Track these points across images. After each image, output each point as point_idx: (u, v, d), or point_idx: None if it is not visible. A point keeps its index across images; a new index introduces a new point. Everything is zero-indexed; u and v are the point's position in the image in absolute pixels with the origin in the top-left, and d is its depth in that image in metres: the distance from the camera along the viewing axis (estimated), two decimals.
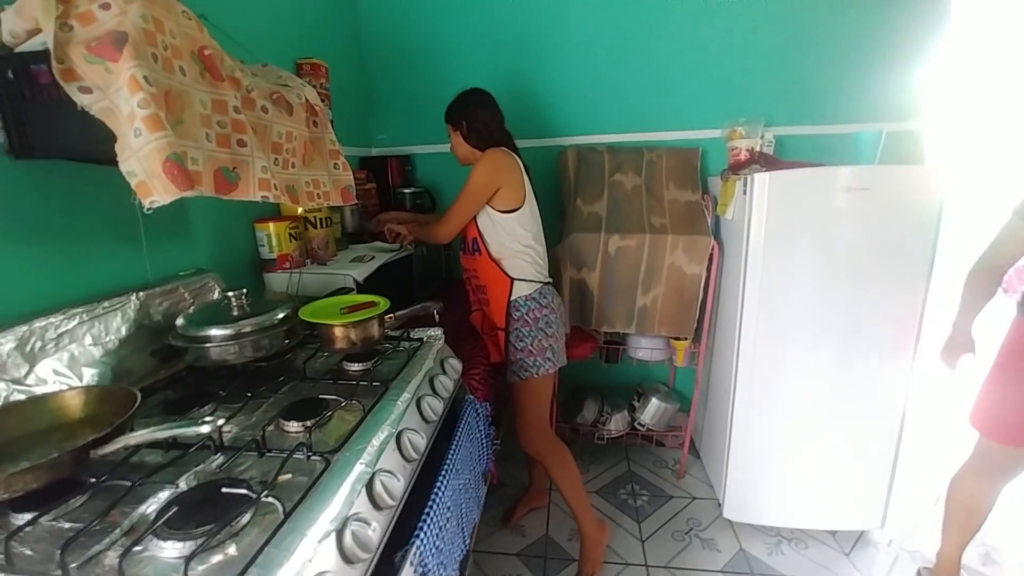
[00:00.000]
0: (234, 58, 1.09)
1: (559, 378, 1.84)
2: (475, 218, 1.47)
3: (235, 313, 1.02)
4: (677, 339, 1.99)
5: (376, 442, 0.77)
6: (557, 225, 2.13)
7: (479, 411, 1.17)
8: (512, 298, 1.48)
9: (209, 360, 0.95)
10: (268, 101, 1.05)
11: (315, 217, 1.51)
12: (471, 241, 1.52)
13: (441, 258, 2.13)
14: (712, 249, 1.80)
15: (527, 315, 1.48)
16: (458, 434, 1.06)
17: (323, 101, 1.68)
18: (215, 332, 0.95)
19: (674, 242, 1.81)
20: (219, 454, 0.72)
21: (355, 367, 1.05)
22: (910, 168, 1.56)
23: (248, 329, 0.98)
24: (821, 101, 1.97)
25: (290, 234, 1.42)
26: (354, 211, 1.86)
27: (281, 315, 1.04)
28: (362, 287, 1.39)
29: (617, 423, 2.18)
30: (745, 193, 1.65)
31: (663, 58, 2.05)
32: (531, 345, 1.50)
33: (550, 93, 2.16)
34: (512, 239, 1.47)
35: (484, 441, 1.19)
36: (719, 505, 1.90)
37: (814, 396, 1.67)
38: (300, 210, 1.46)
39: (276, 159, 1.08)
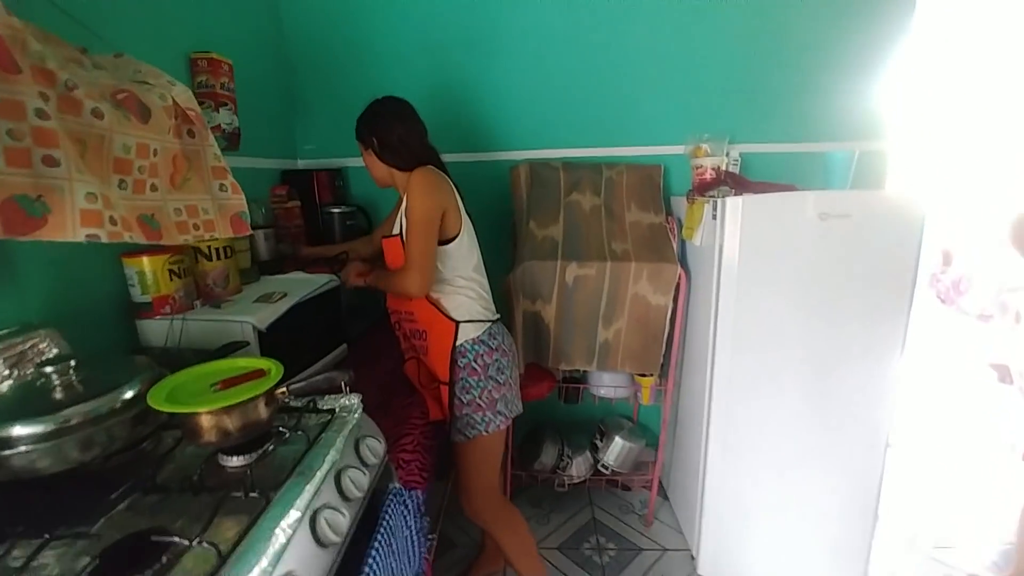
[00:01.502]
0: (63, 42, 0.80)
1: (513, 421, 1.61)
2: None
3: (57, 396, 0.73)
4: (642, 375, 1.81)
5: None
6: (507, 250, 1.91)
7: (408, 503, 0.92)
8: (457, 343, 1.24)
9: (9, 472, 0.66)
10: (107, 103, 0.77)
11: (209, 247, 1.21)
12: None
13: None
14: (679, 278, 1.63)
15: (475, 362, 1.25)
16: (377, 539, 0.81)
17: (224, 104, 1.39)
18: (18, 431, 0.66)
19: (638, 270, 1.63)
20: None
21: (233, 463, 0.78)
22: (891, 194, 1.45)
23: (74, 421, 0.69)
24: (788, 118, 1.86)
25: (171, 270, 1.12)
26: (269, 235, 1.57)
27: (128, 395, 0.75)
28: (266, 337, 1.11)
29: (579, 467, 1.97)
30: (715, 217, 1.49)
31: (623, 69, 1.88)
32: (479, 398, 1.26)
33: (501, 102, 1.95)
34: (452, 272, 1.25)
35: (415, 538, 0.94)
36: (692, 558, 1.72)
37: (791, 437, 1.53)
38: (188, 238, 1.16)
39: (122, 181, 0.80)
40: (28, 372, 0.84)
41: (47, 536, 0.60)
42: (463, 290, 1.26)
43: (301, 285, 1.35)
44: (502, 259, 1.88)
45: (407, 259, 1.20)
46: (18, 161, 0.64)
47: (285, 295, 1.25)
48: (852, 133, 1.84)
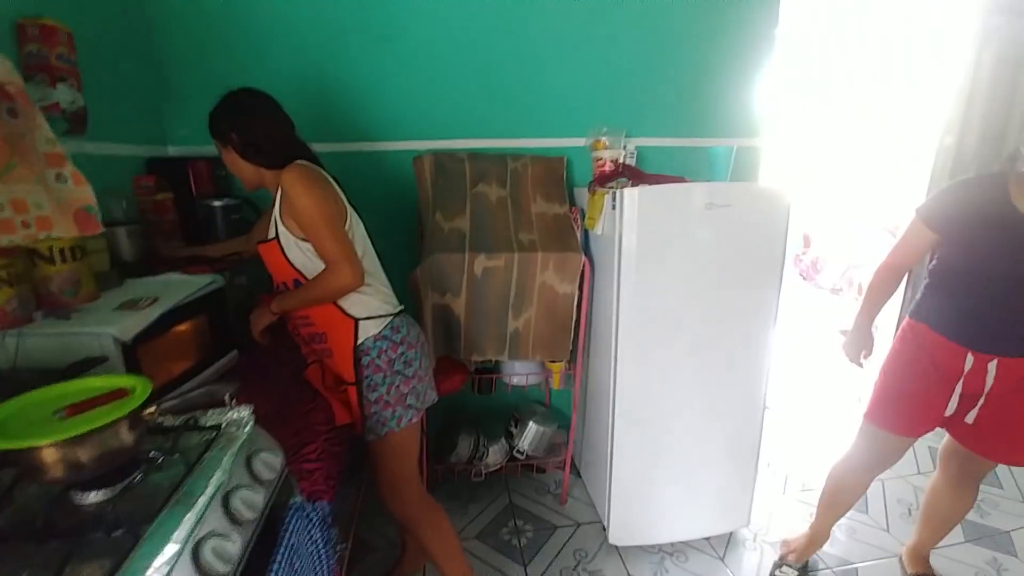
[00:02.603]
0: None
1: (426, 415, 1.58)
2: (286, 256, 1.16)
3: None
4: (553, 362, 1.86)
5: None
6: (413, 243, 1.86)
7: (312, 516, 0.86)
8: (358, 342, 1.18)
9: None
10: None
11: (50, 248, 1.02)
12: (291, 283, 1.20)
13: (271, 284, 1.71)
14: (584, 266, 1.70)
15: (378, 359, 1.20)
16: (277, 559, 0.75)
17: (63, 79, 1.19)
18: None
19: (544, 260, 1.67)
20: None
21: (90, 499, 0.67)
22: (763, 186, 1.62)
23: None
24: (677, 114, 2.00)
25: None
26: (133, 232, 1.37)
27: None
28: (131, 350, 0.97)
29: (495, 455, 1.99)
30: (614, 208, 1.56)
31: (527, 61, 1.89)
32: (387, 394, 1.22)
33: (401, 90, 1.87)
34: None
35: (321, 552, 0.89)
36: (603, 529, 1.83)
37: (686, 405, 1.67)
38: (15, 238, 0.96)
39: None
40: None
41: None
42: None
43: (176, 288, 1.20)
44: (407, 252, 1.82)
45: (327, 258, 1.12)
46: None
47: (156, 300, 1.10)
48: (731, 130, 2.03)
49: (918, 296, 1.39)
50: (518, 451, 2.01)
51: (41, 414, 0.66)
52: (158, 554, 0.57)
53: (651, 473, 1.71)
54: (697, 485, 1.74)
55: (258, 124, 1.14)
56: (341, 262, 1.10)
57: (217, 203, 1.61)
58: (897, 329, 1.45)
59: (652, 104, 1.98)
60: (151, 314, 1.04)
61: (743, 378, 1.68)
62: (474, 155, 1.88)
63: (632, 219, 1.51)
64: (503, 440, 2.04)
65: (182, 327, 1.16)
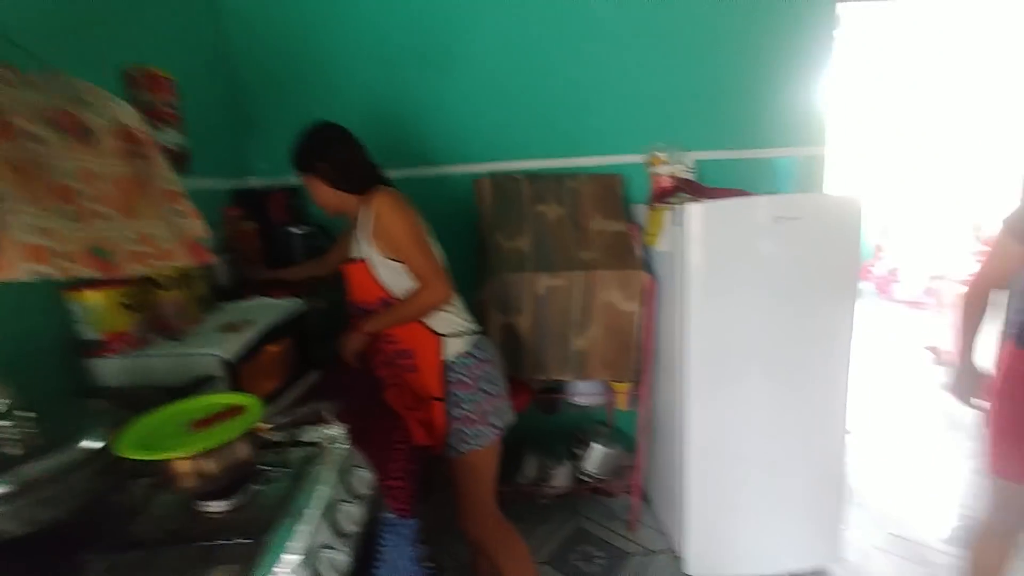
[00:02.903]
0: None
1: None
2: (374, 274, 1.21)
3: (12, 451, 0.64)
4: (617, 381, 1.84)
5: None
6: (474, 264, 1.90)
7: (403, 532, 0.88)
8: (445, 359, 1.22)
9: None
10: (45, 126, 0.71)
11: (163, 276, 1.12)
12: (378, 303, 1.24)
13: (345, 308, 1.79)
14: (647, 283, 1.68)
15: (465, 375, 1.23)
16: (379, 572, 0.77)
17: (168, 122, 1.31)
18: None
19: (606, 278, 1.66)
20: None
21: (216, 508, 0.72)
22: (834, 196, 1.55)
23: (35, 478, 0.62)
24: (736, 125, 1.96)
25: (123, 304, 1.03)
26: (226, 260, 1.48)
27: (91, 445, 0.68)
28: (234, 370, 1.04)
29: (561, 477, 1.96)
30: (676, 223, 1.55)
31: (580, 81, 1.93)
32: (471, 411, 1.24)
33: (458, 116, 1.95)
34: None
35: (412, 568, 0.90)
36: (677, 558, 1.75)
37: (760, 429, 1.59)
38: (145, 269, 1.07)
39: (66, 210, 0.73)
40: None
41: None
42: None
43: (266, 311, 1.28)
44: (469, 273, 1.86)
45: (422, 275, 1.19)
46: None
47: (250, 322, 1.18)
48: (794, 139, 1.97)
49: (1021, 319, 1.20)
50: (584, 473, 1.98)
51: (171, 428, 0.72)
52: (280, 563, 0.60)
53: (727, 501, 1.63)
54: (778, 515, 1.64)
55: (343, 154, 1.22)
56: (434, 279, 1.17)
57: (295, 230, 1.72)
58: (997, 361, 1.24)
59: (709, 116, 1.96)
60: (250, 335, 1.11)
61: (820, 399, 1.59)
62: (532, 175, 1.91)
63: (696, 235, 1.49)
64: (568, 462, 2.01)
65: (273, 348, 1.23)
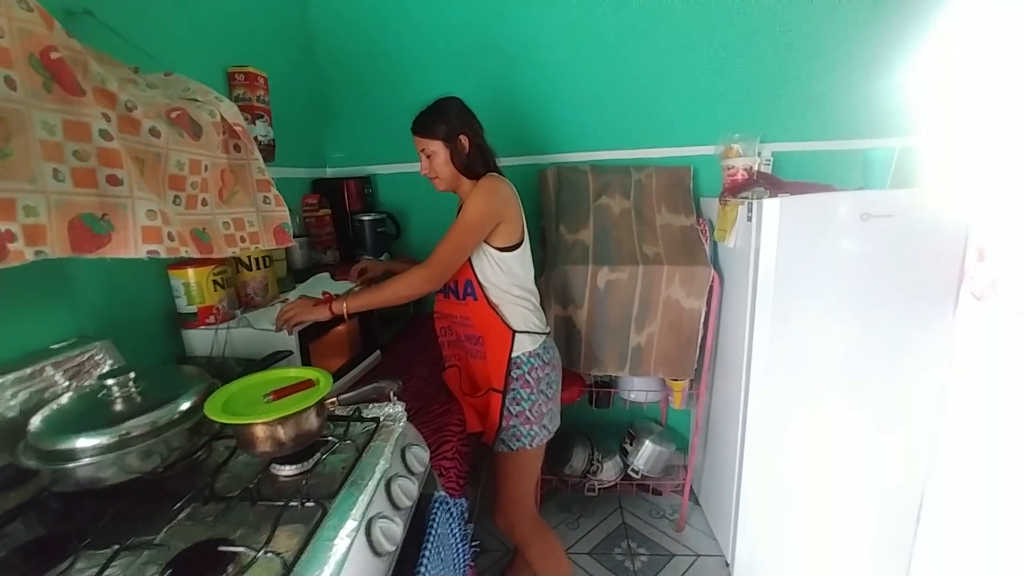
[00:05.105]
0: (117, 63, 0.83)
1: None
2: (468, 257, 1.21)
3: (117, 407, 0.75)
4: (675, 379, 1.79)
5: None
6: (537, 255, 1.90)
7: (453, 510, 0.92)
8: (513, 354, 1.24)
9: (74, 483, 0.68)
10: (163, 122, 0.79)
11: (249, 257, 1.24)
12: (463, 284, 1.25)
13: None
14: (712, 281, 1.61)
15: (529, 374, 1.25)
16: (427, 547, 0.82)
17: (260, 116, 1.42)
18: (82, 443, 0.68)
19: (670, 273, 1.62)
20: None
21: (286, 472, 0.79)
22: (934, 192, 1.40)
23: (136, 432, 0.71)
24: (822, 115, 1.81)
25: (215, 281, 1.15)
26: (303, 244, 1.60)
27: (185, 406, 0.77)
28: (306, 346, 1.13)
29: (609, 471, 1.96)
30: (750, 219, 1.47)
31: (650, 70, 1.86)
32: (529, 411, 1.26)
33: (527, 107, 1.95)
34: (511, 283, 1.23)
35: (460, 546, 0.95)
36: (726, 565, 1.70)
37: (833, 445, 1.49)
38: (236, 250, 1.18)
39: (176, 197, 0.82)
40: (87, 384, 0.87)
41: (117, 547, 0.62)
42: (521, 301, 1.25)
43: (335, 292, 1.37)
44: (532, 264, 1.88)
45: (438, 251, 1.13)
46: (85, 181, 0.66)
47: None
48: (889, 129, 1.79)
49: None
50: (633, 470, 1.96)
51: (252, 397, 0.80)
52: (342, 527, 0.66)
53: (785, 513, 1.56)
54: (841, 536, 1.54)
55: (477, 129, 1.22)
56: (436, 267, 1.13)
57: (366, 217, 1.81)
58: None
59: (790, 103, 1.83)
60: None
61: (903, 420, 1.47)
62: (597, 167, 1.89)
63: (772, 232, 1.40)
64: (617, 457, 2.00)
65: (340, 328, 1.32)
